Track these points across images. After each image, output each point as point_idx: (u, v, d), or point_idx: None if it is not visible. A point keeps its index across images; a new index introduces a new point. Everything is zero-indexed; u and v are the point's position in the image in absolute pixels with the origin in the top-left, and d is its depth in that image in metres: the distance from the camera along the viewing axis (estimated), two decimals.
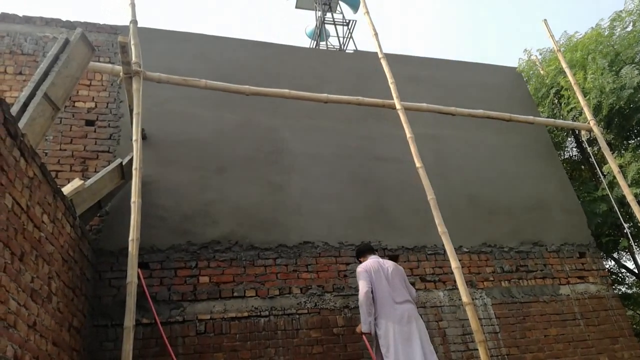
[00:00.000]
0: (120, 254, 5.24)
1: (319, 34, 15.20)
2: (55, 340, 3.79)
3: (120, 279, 5.11)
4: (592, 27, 8.92)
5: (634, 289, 11.26)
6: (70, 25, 6.53)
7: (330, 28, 15.27)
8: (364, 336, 4.90)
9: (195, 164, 6.06)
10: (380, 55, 6.31)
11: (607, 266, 9.68)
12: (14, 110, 3.69)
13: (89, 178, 5.26)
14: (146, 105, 5.14)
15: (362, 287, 4.82)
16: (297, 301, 5.57)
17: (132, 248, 4.13)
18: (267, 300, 5.47)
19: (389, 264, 5.12)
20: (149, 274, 5.24)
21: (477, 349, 5.60)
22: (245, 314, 5.31)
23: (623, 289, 11.09)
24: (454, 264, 4.61)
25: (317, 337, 5.42)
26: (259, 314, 5.36)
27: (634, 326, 9.98)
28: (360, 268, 5.02)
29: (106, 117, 6.10)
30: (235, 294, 5.39)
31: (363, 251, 5.33)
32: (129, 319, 3.79)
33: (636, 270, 9.43)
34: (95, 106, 6.13)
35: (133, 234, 4.17)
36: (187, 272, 5.38)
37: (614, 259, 10.38)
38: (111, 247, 5.27)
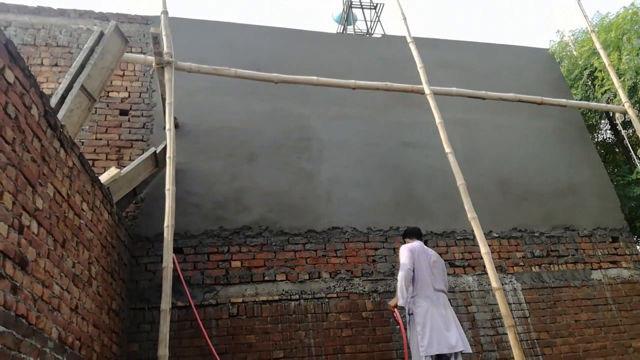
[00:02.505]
0: (155, 240, 5.42)
1: (346, 18, 15.08)
2: (95, 323, 3.97)
3: (156, 263, 5.30)
4: (624, 7, 8.64)
5: None
6: (103, 17, 6.69)
7: (357, 12, 15.14)
8: (396, 310, 4.95)
9: (226, 152, 6.18)
10: (409, 40, 6.27)
11: None
12: (53, 102, 3.84)
13: (124, 166, 5.44)
14: (177, 95, 5.25)
15: (405, 264, 4.88)
16: (327, 285, 5.67)
17: (167, 234, 4.26)
18: (297, 285, 5.58)
19: (433, 252, 5.20)
20: (183, 258, 5.40)
21: (507, 334, 5.64)
22: (276, 298, 5.44)
23: None
24: (484, 249, 4.61)
25: (346, 320, 5.51)
26: (289, 297, 5.48)
27: None
28: (405, 247, 5.07)
29: (139, 107, 6.26)
30: (266, 278, 5.52)
31: (410, 233, 5.39)
32: (166, 302, 3.93)
33: None
34: (129, 96, 6.30)
35: (168, 220, 4.30)
36: (219, 256, 5.52)
37: None
38: (147, 233, 5.45)
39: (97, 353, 3.93)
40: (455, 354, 4.62)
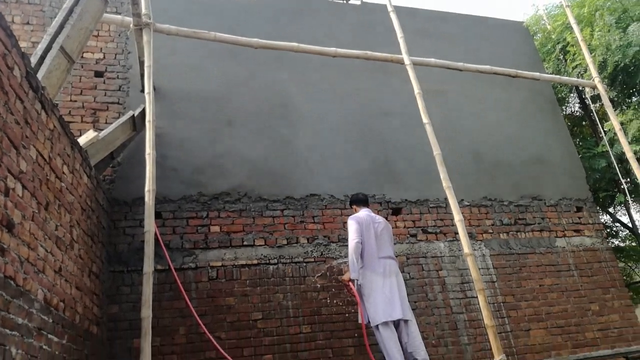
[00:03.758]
0: (133, 204, 5.42)
1: None
2: (78, 285, 4.01)
3: (134, 227, 5.31)
4: None
5: (627, 242, 11.58)
6: None
7: None
8: (350, 283, 5.16)
9: (204, 117, 6.15)
10: (389, 9, 6.27)
11: (603, 220, 9.95)
12: (32, 63, 3.75)
13: (100, 129, 5.36)
14: (154, 58, 5.16)
15: (353, 237, 5.12)
16: (304, 250, 5.80)
17: (149, 199, 4.27)
18: (275, 249, 5.69)
19: (380, 219, 5.39)
20: (162, 223, 5.42)
21: (475, 297, 5.91)
22: (255, 262, 5.54)
23: (616, 242, 11.41)
24: (457, 216, 4.78)
25: (323, 284, 5.67)
26: (268, 261, 5.59)
27: (625, 277, 10.33)
28: (353, 219, 5.27)
29: (115, 69, 6.13)
30: (245, 243, 5.61)
31: (358, 201, 5.57)
32: (148, 265, 3.98)
33: (630, 225, 9.70)
34: (104, 57, 6.15)
35: (149, 185, 4.30)
36: (198, 221, 5.57)
37: (610, 214, 10.65)
38: (125, 197, 5.44)
39: (79, 314, 3.98)
40: (401, 319, 4.93)
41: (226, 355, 4.64)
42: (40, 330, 3.19)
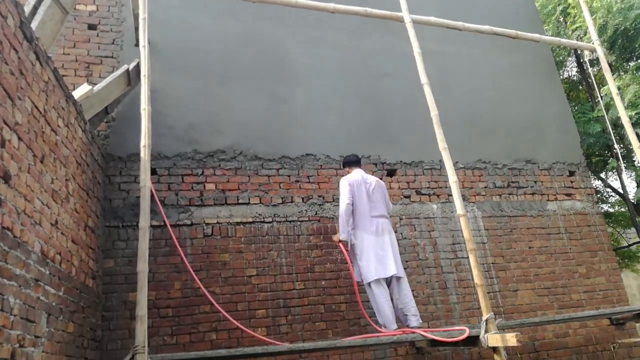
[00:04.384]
0: (128, 160, 5.39)
1: None
2: (74, 238, 4.03)
3: (129, 183, 5.31)
4: None
5: (616, 208, 11.74)
6: None
7: None
8: (340, 244, 5.28)
9: (199, 73, 6.06)
10: None
11: (594, 186, 10.04)
12: (25, 12, 3.65)
13: (94, 84, 5.28)
14: (148, 12, 5.03)
15: (344, 199, 5.23)
16: (299, 209, 5.83)
17: (144, 154, 4.24)
18: (270, 208, 5.73)
19: (372, 179, 5.46)
20: (157, 179, 5.42)
21: (465, 257, 6.03)
22: (250, 220, 5.58)
23: (606, 207, 11.57)
24: (452, 178, 4.80)
25: (317, 242, 5.74)
26: (262, 220, 5.63)
27: (612, 243, 10.52)
28: (344, 180, 5.35)
29: (108, 22, 5.99)
30: (240, 201, 5.63)
31: (350, 162, 5.62)
32: (144, 220, 3.98)
33: (621, 190, 9.81)
34: (97, 9, 6.00)
35: (145, 140, 4.26)
36: (193, 179, 5.57)
37: (601, 179, 10.75)
38: (119, 152, 5.41)
39: (75, 267, 4.02)
40: (393, 276, 5.07)
41: (220, 309, 4.72)
42: (38, 282, 3.22)
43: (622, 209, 11.44)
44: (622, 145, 8.81)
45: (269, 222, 5.65)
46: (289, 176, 5.95)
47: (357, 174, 5.47)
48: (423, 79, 5.23)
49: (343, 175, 5.74)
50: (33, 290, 3.13)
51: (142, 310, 3.70)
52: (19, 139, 3.07)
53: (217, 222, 5.46)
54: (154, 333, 4.74)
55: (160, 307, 4.94)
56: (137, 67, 5.33)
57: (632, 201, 9.62)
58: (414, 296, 5.29)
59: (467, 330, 4.52)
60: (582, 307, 6.29)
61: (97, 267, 4.69)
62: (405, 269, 5.40)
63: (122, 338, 4.73)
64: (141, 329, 3.66)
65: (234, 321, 4.71)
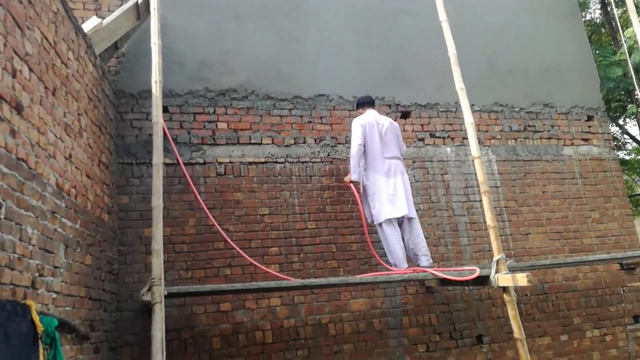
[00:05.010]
0: (139, 97, 5.34)
1: None
2: (88, 173, 4.05)
3: (141, 120, 5.28)
4: None
5: (633, 156, 11.58)
6: None
7: None
8: (351, 185, 5.30)
9: (210, 10, 5.87)
10: None
11: (612, 131, 9.86)
12: None
13: (103, 17, 5.15)
14: None
15: (356, 140, 5.23)
16: (311, 150, 5.79)
17: (156, 90, 4.19)
18: (282, 148, 5.69)
19: (385, 120, 5.41)
20: (169, 117, 5.38)
21: (478, 201, 6.02)
22: (262, 160, 5.56)
23: (622, 155, 11.41)
24: (469, 119, 4.71)
25: (329, 183, 5.74)
26: (275, 160, 5.61)
27: (627, 190, 10.43)
28: (356, 122, 5.33)
29: None
30: (252, 141, 5.59)
31: (363, 103, 5.58)
32: (158, 156, 3.98)
33: (638, 137, 9.64)
34: None
35: (156, 75, 4.21)
36: (205, 117, 5.52)
37: (619, 125, 10.54)
38: (130, 89, 5.34)
39: (91, 202, 4.05)
40: (405, 217, 5.11)
41: (235, 246, 4.80)
42: (54, 214, 3.26)
43: (639, 157, 11.28)
44: None
45: (282, 163, 5.63)
46: (301, 117, 5.87)
47: (370, 115, 5.41)
48: (442, 16, 5.05)
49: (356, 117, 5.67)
50: (50, 222, 3.17)
51: (157, 244, 3.76)
52: (30, 70, 3.03)
53: (230, 162, 5.45)
54: (169, 267, 4.83)
55: (175, 242, 5.01)
56: (147, 1, 5.18)
57: None
58: (425, 237, 5.32)
59: (478, 270, 4.58)
60: (593, 252, 6.30)
61: (112, 202, 4.73)
62: (417, 211, 5.40)
63: (138, 272, 4.83)
64: (157, 262, 3.73)
65: (248, 257, 4.79)
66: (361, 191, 5.32)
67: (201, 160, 5.35)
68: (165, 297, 3.71)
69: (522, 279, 4.15)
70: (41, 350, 2.57)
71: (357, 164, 5.20)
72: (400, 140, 5.49)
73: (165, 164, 5.06)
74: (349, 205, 5.68)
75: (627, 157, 11.32)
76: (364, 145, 5.24)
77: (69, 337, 3.34)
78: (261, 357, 4.95)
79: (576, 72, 7.19)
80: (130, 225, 4.95)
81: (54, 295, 3.13)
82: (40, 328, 2.57)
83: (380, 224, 5.14)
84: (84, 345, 3.66)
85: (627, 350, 5.98)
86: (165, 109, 5.32)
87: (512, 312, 4.29)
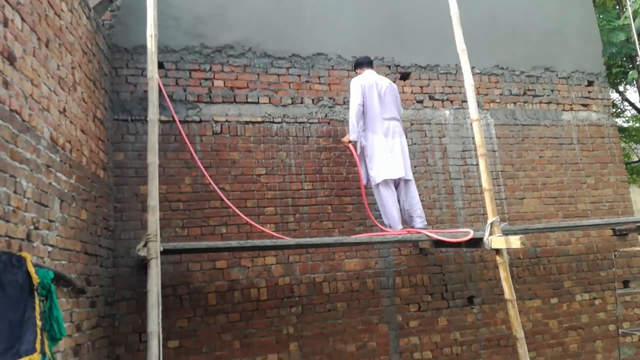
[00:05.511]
0: (134, 52, 5.24)
1: None
2: (83, 128, 4.01)
3: (136, 76, 5.20)
4: None
5: (631, 123, 11.55)
6: None
7: None
8: (350, 145, 5.28)
9: None
10: None
11: (612, 98, 9.79)
12: None
13: None
14: None
15: (354, 100, 5.21)
16: (309, 111, 5.74)
17: (151, 44, 4.11)
18: (279, 108, 5.63)
19: (383, 81, 5.38)
20: (164, 73, 5.29)
21: (474, 165, 6.02)
22: (259, 119, 5.51)
23: (620, 122, 11.37)
24: (469, 81, 4.65)
25: (326, 144, 5.71)
26: (272, 120, 5.56)
27: (624, 157, 10.44)
28: (355, 82, 5.29)
29: None
30: (249, 100, 5.53)
31: (361, 64, 5.54)
32: (153, 112, 3.94)
33: (638, 105, 9.59)
34: None
35: (151, 29, 4.11)
36: (201, 74, 5.43)
37: (619, 92, 10.47)
38: (125, 44, 5.24)
39: (86, 157, 4.03)
40: (402, 179, 5.15)
41: (231, 205, 4.81)
42: (49, 167, 3.24)
43: (637, 124, 11.25)
44: None
45: (279, 123, 5.59)
46: (299, 76, 5.79)
47: (369, 75, 5.36)
48: None
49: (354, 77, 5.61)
50: (44, 176, 3.15)
51: (153, 200, 3.76)
52: (22, 19, 2.95)
53: (226, 121, 5.40)
54: (165, 225, 4.85)
55: (171, 200, 5.01)
56: None
57: None
58: (420, 200, 5.34)
59: (472, 232, 4.61)
60: (587, 217, 6.34)
61: (108, 159, 4.71)
62: (413, 174, 5.40)
63: (134, 229, 4.85)
64: (153, 218, 3.74)
65: (244, 216, 4.81)
66: (359, 152, 5.31)
67: (197, 119, 5.30)
68: (161, 253, 3.74)
69: (515, 242, 4.19)
70: (37, 302, 2.60)
71: (356, 124, 5.18)
72: (398, 102, 5.46)
73: (161, 121, 5.01)
74: (346, 167, 5.66)
75: (626, 125, 11.30)
76: (363, 106, 5.21)
77: (65, 290, 3.38)
78: (256, 314, 5.04)
79: (579, 36, 7.07)
80: (126, 182, 4.94)
81: (50, 249, 3.15)
82: (35, 279, 2.59)
83: (377, 185, 5.15)
84: (80, 299, 3.71)
85: (615, 314, 6.10)
86: (160, 65, 5.24)
87: (503, 274, 4.35)
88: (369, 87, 5.22)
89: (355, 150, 5.31)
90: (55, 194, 3.32)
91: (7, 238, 2.57)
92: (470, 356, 5.62)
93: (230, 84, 5.52)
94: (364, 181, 5.33)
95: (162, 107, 4.84)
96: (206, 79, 5.44)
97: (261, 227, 4.94)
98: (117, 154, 4.96)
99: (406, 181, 5.17)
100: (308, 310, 5.21)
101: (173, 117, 4.94)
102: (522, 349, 4.22)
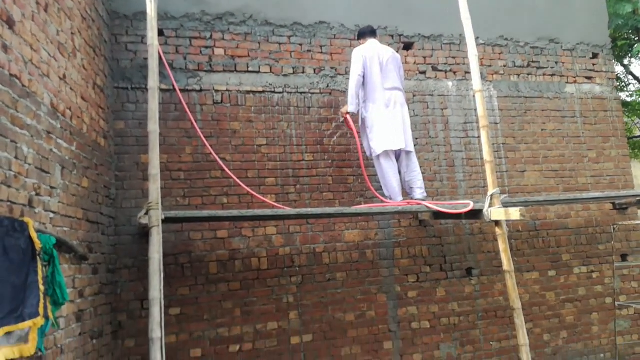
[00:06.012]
0: (134, 19, 5.16)
1: None
2: (83, 95, 3.98)
3: (137, 43, 5.13)
4: None
5: (634, 97, 11.46)
6: None
7: None
8: (347, 116, 5.25)
9: None
10: None
11: (616, 71, 9.70)
12: None
13: None
14: None
15: (355, 70, 5.16)
16: (310, 81, 5.69)
17: (151, 10, 4.06)
18: (281, 78, 5.58)
19: (386, 51, 5.34)
20: (164, 41, 5.22)
21: (476, 137, 6.00)
22: (260, 89, 5.47)
23: (624, 96, 11.28)
24: (473, 51, 4.60)
25: (327, 115, 5.67)
26: (273, 90, 5.51)
27: (626, 132, 10.40)
28: (357, 52, 5.25)
29: None
30: (250, 69, 5.47)
31: (364, 33, 5.49)
32: (153, 80, 3.91)
33: None
34: None
35: None
36: (202, 42, 5.36)
37: (624, 65, 10.37)
38: (124, 10, 5.15)
39: (87, 125, 4.01)
40: (403, 150, 5.14)
41: (232, 175, 4.81)
42: (49, 134, 3.23)
43: None
44: None
45: (280, 93, 5.54)
46: (300, 45, 5.72)
47: (371, 45, 5.30)
48: None
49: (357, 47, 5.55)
50: (45, 142, 3.14)
51: (154, 169, 3.76)
52: None
53: (227, 90, 5.35)
54: (166, 194, 4.85)
55: (172, 170, 5.01)
56: None
57: None
58: (421, 172, 5.34)
59: (472, 203, 4.63)
60: (588, 191, 6.34)
61: (108, 127, 4.68)
62: (414, 146, 5.39)
63: (135, 197, 4.86)
64: (154, 186, 3.75)
65: (245, 187, 4.81)
66: (360, 123, 5.28)
67: (197, 87, 5.25)
68: (163, 221, 3.75)
69: (514, 213, 4.20)
70: (40, 266, 2.62)
71: (355, 95, 5.14)
72: (401, 72, 5.40)
73: (161, 90, 4.96)
74: (347, 138, 5.64)
75: (629, 99, 11.22)
76: (364, 77, 5.16)
77: (67, 256, 3.40)
78: (257, 282, 5.09)
79: (584, 7, 6.95)
80: (127, 151, 4.93)
81: (52, 215, 3.16)
82: (38, 245, 2.60)
83: (377, 157, 5.15)
84: (83, 266, 3.74)
85: (612, 287, 6.16)
86: (160, 32, 5.16)
87: (502, 246, 4.38)
88: (371, 57, 5.17)
89: (354, 120, 5.29)
90: (56, 161, 3.31)
91: (9, 203, 2.57)
92: (467, 326, 5.70)
93: (231, 53, 5.46)
94: (366, 153, 5.32)
95: (163, 75, 4.80)
96: (207, 47, 5.37)
97: (262, 198, 4.94)
98: (118, 122, 4.93)
99: (407, 153, 5.16)
100: (308, 279, 5.26)
101: (173, 85, 4.89)
102: (519, 320, 4.28)
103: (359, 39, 5.53)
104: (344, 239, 5.45)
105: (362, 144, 5.34)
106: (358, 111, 5.25)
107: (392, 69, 5.21)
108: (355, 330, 5.31)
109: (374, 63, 5.16)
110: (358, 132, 5.34)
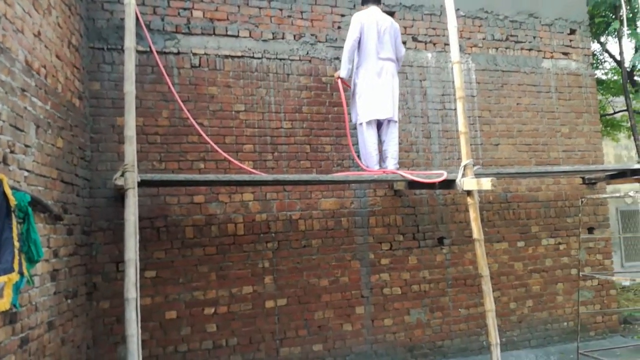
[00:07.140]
0: None
1: None
2: (58, 54, 3.90)
3: (113, 3, 5.02)
4: None
5: (609, 76, 11.64)
6: None
7: None
8: (339, 80, 5.31)
9: None
10: None
11: (592, 48, 9.81)
12: None
13: None
14: None
15: (351, 35, 5.15)
16: (290, 47, 5.65)
17: None
18: (260, 43, 5.53)
19: (386, 20, 5.30)
20: (142, 1, 5.10)
21: (453, 109, 6.07)
22: (239, 54, 5.42)
23: (599, 74, 11.45)
24: (452, 22, 4.62)
25: (307, 83, 5.67)
26: (252, 55, 5.47)
27: (599, 109, 10.59)
28: (356, 17, 5.24)
29: None
30: (229, 33, 5.41)
31: (367, 0, 5.33)
32: (130, 40, 3.84)
33: (618, 57, 9.64)
34: None
35: None
36: (180, 3, 5.26)
37: (600, 43, 10.50)
38: None
39: (61, 84, 3.95)
40: (387, 120, 5.20)
41: (209, 140, 4.78)
42: (24, 91, 3.18)
43: (615, 78, 11.35)
44: (628, 8, 8.44)
45: (259, 58, 5.50)
46: (281, 10, 5.66)
47: (371, 12, 5.25)
48: None
49: (340, 14, 5.55)
50: (20, 99, 3.10)
51: (130, 130, 3.73)
52: None
53: (205, 54, 5.29)
54: (142, 158, 4.83)
55: (149, 133, 4.98)
56: None
57: (627, 68, 9.52)
58: (398, 143, 5.40)
59: (445, 173, 4.72)
60: (559, 165, 6.50)
61: (84, 87, 4.61)
62: None
63: (111, 160, 4.82)
64: (130, 149, 3.73)
65: (222, 152, 4.79)
66: (351, 88, 5.30)
67: (175, 50, 5.18)
68: (139, 184, 3.74)
69: (486, 184, 4.31)
70: (14, 223, 2.61)
71: (348, 60, 5.16)
72: (398, 43, 5.36)
73: (138, 52, 4.89)
74: (326, 107, 5.66)
75: (604, 77, 11.39)
76: (359, 43, 5.14)
77: (42, 216, 3.39)
78: (232, 247, 5.14)
79: None
80: (102, 113, 4.87)
81: (26, 174, 3.13)
82: (12, 201, 2.59)
83: (361, 124, 5.19)
84: (57, 226, 3.73)
85: (578, 258, 6.38)
86: None
87: (473, 215, 4.49)
88: (369, 24, 5.13)
89: (346, 85, 5.31)
90: (31, 119, 3.27)
91: None
92: (437, 293, 5.87)
93: (209, 15, 5.37)
94: (352, 120, 5.36)
95: (139, 36, 4.71)
96: (185, 9, 5.28)
97: (239, 164, 4.94)
98: (93, 83, 4.86)
99: (390, 121, 5.21)
100: (284, 245, 5.33)
101: (150, 47, 4.82)
102: (487, 286, 4.43)
103: (363, 4, 5.44)
104: (320, 206, 5.52)
105: (350, 110, 5.37)
106: (350, 76, 5.26)
107: (388, 40, 5.19)
108: (329, 295, 5.44)
109: (371, 30, 5.13)
110: (347, 100, 5.35)
